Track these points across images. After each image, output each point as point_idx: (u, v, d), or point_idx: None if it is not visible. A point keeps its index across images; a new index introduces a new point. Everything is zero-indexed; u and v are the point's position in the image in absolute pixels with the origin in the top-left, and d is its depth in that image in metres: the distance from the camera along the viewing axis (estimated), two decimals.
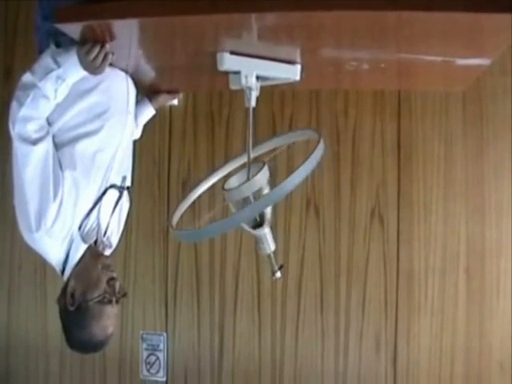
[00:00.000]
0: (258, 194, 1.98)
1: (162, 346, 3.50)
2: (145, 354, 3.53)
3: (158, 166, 3.50)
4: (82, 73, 1.88)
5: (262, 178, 1.94)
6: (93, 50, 1.82)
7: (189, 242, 1.94)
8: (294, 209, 3.34)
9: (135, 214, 3.30)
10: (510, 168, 3.13)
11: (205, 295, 3.46)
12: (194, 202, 2.26)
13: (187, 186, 3.42)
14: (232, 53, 1.94)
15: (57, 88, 1.87)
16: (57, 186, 1.91)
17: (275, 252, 2.03)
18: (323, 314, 3.33)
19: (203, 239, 3.14)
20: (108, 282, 2.03)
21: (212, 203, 3.33)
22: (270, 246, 2.00)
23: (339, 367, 3.31)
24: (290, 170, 3.21)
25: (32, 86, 1.86)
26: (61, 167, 1.93)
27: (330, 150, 3.27)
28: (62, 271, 2.06)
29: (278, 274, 2.02)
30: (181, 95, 2.57)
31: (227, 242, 3.40)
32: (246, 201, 1.94)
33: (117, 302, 2.03)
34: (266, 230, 1.98)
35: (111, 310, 2.02)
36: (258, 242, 2.01)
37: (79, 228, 2.02)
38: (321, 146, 1.87)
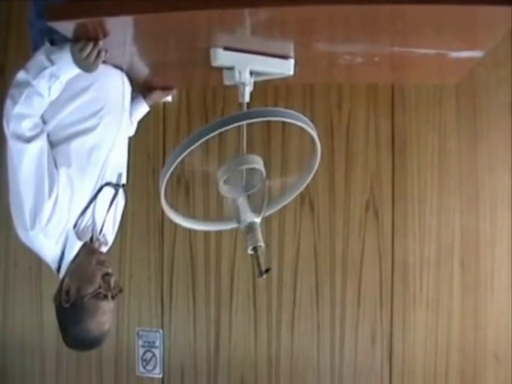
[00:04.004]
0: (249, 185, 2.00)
1: (158, 343, 3.50)
2: (141, 350, 3.53)
3: (153, 162, 3.49)
4: (76, 70, 1.88)
5: (254, 159, 1.95)
6: (86, 48, 1.82)
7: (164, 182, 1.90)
8: (288, 203, 3.33)
9: (130, 210, 3.28)
10: (504, 160, 3.13)
11: (200, 291, 3.47)
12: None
13: (182, 182, 3.43)
14: (225, 48, 1.94)
15: (51, 85, 1.87)
16: (52, 183, 1.91)
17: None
18: (319, 308, 3.33)
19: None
20: (103, 277, 2.02)
21: (206, 198, 3.35)
22: (259, 240, 1.97)
23: (335, 360, 3.32)
24: (285, 169, 3.26)
25: (26, 84, 1.86)
26: (56, 165, 1.93)
27: (324, 144, 3.28)
28: (58, 269, 2.06)
29: (263, 277, 1.96)
30: (175, 92, 2.57)
31: (222, 236, 3.40)
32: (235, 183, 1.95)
33: (112, 297, 2.03)
34: (256, 220, 1.98)
35: (107, 306, 2.01)
36: (247, 232, 2.00)
37: (74, 226, 2.02)
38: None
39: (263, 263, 1.93)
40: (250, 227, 1.98)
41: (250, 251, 1.96)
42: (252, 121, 1.83)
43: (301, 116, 1.90)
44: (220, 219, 2.30)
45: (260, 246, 1.94)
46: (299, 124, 1.88)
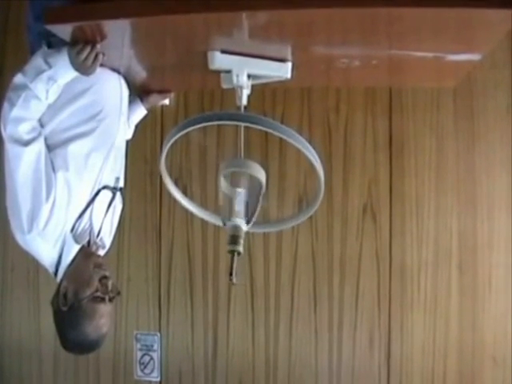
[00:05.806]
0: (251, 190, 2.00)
1: (155, 346, 3.50)
2: (139, 354, 3.53)
3: (150, 165, 3.49)
4: (74, 73, 1.88)
5: (257, 168, 1.95)
6: (83, 51, 1.82)
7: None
8: (286, 205, 3.34)
9: (128, 213, 3.28)
10: (501, 162, 3.14)
11: (198, 294, 3.46)
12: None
13: (179, 185, 3.42)
14: (223, 51, 1.94)
15: (48, 89, 1.86)
16: (49, 187, 1.90)
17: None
18: (317, 311, 3.33)
19: None
20: (100, 280, 2.02)
21: (204, 201, 3.35)
22: (239, 247, 1.96)
23: (333, 363, 3.32)
24: (283, 175, 3.26)
25: (23, 87, 1.85)
26: (53, 168, 1.93)
27: (321, 147, 3.29)
28: (55, 273, 2.05)
29: (234, 280, 1.95)
30: (172, 95, 2.56)
31: (220, 239, 3.39)
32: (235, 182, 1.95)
33: (110, 300, 2.03)
34: (242, 226, 1.98)
35: (104, 309, 2.01)
36: (230, 234, 1.98)
37: (72, 229, 2.01)
38: None
39: (235, 268, 1.92)
40: (235, 231, 1.97)
41: (228, 252, 1.96)
42: (259, 128, 1.85)
43: (312, 149, 1.92)
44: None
45: (238, 253, 1.94)
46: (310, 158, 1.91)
